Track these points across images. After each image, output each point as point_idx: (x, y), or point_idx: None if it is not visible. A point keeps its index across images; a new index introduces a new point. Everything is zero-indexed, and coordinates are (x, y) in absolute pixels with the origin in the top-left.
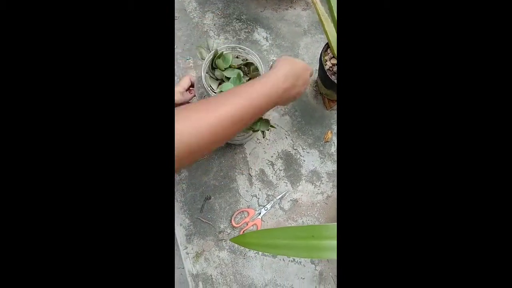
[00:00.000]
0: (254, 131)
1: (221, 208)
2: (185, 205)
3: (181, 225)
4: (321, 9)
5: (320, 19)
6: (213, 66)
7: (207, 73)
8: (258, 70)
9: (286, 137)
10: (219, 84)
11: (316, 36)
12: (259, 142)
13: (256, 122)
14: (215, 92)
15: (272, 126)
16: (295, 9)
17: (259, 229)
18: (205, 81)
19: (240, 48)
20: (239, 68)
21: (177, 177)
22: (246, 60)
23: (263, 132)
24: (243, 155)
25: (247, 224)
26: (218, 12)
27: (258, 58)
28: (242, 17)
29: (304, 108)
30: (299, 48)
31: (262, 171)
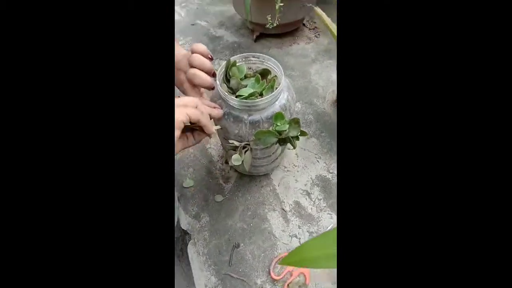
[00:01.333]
0: (282, 143)
1: (254, 257)
2: (209, 259)
3: (206, 286)
4: (332, 24)
5: (333, 34)
6: (227, 78)
7: (221, 85)
8: (277, 77)
9: (318, 161)
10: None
11: (325, 62)
12: (287, 170)
13: (282, 130)
14: (233, 96)
15: (303, 133)
16: (298, 44)
17: (308, 279)
18: (221, 87)
19: (253, 57)
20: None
21: (197, 224)
22: (262, 68)
23: (292, 140)
24: (271, 188)
25: (291, 275)
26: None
27: (277, 63)
28: None
29: (329, 128)
30: (311, 75)
31: (297, 204)
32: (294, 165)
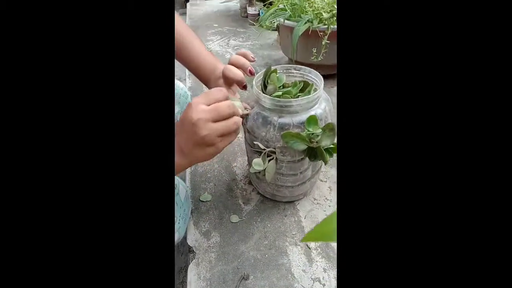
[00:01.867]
0: (312, 158)
1: None
2: (210, 286)
3: None
4: None
5: None
6: (265, 84)
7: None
8: (318, 90)
9: None
10: None
11: None
12: (317, 203)
13: (314, 135)
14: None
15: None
16: None
17: None
18: (256, 87)
19: (295, 69)
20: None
21: (205, 243)
22: (302, 81)
23: (324, 152)
24: (296, 219)
25: None
26: None
27: (319, 76)
28: None
29: None
30: None
31: (325, 243)
32: (326, 198)
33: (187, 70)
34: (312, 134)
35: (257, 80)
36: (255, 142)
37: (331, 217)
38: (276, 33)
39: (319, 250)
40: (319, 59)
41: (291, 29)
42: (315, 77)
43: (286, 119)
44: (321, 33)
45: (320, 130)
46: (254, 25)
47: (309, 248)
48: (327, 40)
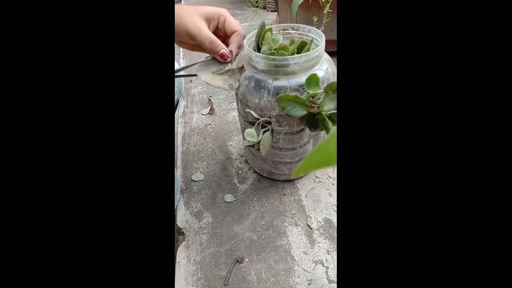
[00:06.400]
0: (312, 127)
1: (261, 280)
2: (201, 270)
3: None
4: None
5: None
6: (258, 45)
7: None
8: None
9: None
10: None
11: None
12: (319, 181)
13: (315, 98)
14: (259, 53)
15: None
16: None
17: None
18: (248, 46)
19: (292, 29)
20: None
21: (196, 224)
22: (300, 41)
23: (326, 119)
24: (296, 198)
25: None
26: None
27: (320, 33)
28: None
29: None
30: None
31: (328, 222)
32: (328, 176)
33: (180, 51)
34: (313, 96)
35: (249, 40)
36: (247, 110)
37: (330, 139)
38: (275, 14)
39: (321, 230)
40: (321, 29)
41: (290, 0)
42: (315, 35)
43: (282, 82)
44: (323, 1)
45: (322, 91)
46: (252, 5)
47: (310, 228)
48: (329, 9)
